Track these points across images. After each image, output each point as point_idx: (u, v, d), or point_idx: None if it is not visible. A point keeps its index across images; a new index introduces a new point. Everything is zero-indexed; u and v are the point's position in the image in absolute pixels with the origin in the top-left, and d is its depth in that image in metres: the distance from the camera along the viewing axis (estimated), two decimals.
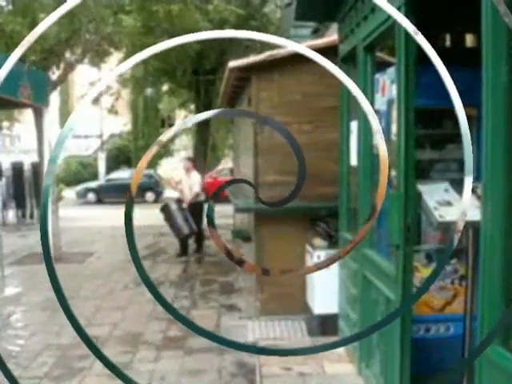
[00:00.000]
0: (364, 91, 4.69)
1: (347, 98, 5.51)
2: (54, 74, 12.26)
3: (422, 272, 4.55)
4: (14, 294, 8.73)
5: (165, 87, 24.56)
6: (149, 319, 7.22)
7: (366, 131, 4.71)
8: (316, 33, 12.57)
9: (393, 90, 4.18)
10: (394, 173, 4.09)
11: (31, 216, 17.70)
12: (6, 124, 33.75)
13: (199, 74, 18.39)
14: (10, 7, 11.53)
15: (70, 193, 27.46)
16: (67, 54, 12.44)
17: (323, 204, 6.60)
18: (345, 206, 5.61)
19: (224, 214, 17.62)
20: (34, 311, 7.64)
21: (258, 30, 18.56)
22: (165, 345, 6.31)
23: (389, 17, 3.94)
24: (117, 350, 6.09)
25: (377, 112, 4.63)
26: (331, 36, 7.27)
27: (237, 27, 17.17)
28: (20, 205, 17.58)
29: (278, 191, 6.94)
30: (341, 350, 5.49)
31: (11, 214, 17.41)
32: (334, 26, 7.73)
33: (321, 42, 7.08)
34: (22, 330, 6.87)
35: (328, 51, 6.34)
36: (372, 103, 4.66)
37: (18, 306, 7.93)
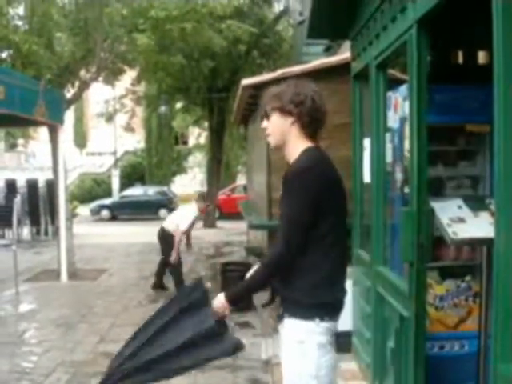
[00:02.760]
0: (377, 109, 4.72)
1: (359, 114, 5.53)
2: (69, 92, 12.39)
3: (436, 289, 4.54)
4: (28, 310, 8.77)
5: (178, 105, 24.75)
6: None
7: (379, 148, 4.72)
8: (328, 50, 12.64)
9: (405, 108, 4.20)
10: (407, 189, 4.10)
11: (46, 233, 17.81)
12: (21, 141, 34.14)
13: (213, 92, 18.52)
14: (26, 27, 11.67)
15: (84, 210, 27.59)
16: (82, 73, 12.59)
17: None
18: (358, 222, 5.61)
19: (238, 230, 17.66)
20: (48, 328, 7.66)
21: (271, 47, 18.71)
22: None
23: (401, 35, 3.97)
24: None
25: (389, 129, 4.65)
26: (343, 53, 7.31)
27: (250, 45, 17.33)
28: (35, 222, 17.70)
29: None
30: (355, 367, 5.47)
31: (26, 231, 17.52)
32: (347, 44, 7.77)
33: (334, 59, 7.14)
34: (36, 346, 6.90)
35: (341, 69, 6.39)
36: (384, 120, 4.68)
37: (32, 323, 7.96)
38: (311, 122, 2.82)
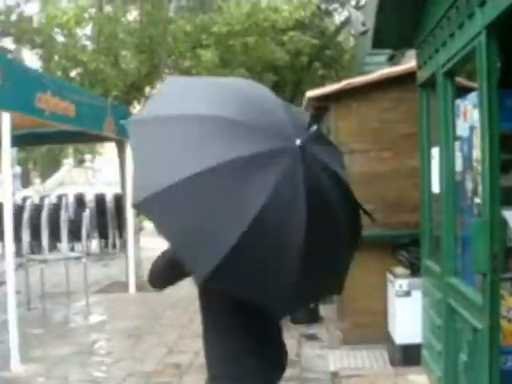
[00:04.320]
0: (445, 117, 4.65)
1: (426, 124, 5.46)
2: (135, 109, 12.67)
3: (508, 300, 4.42)
4: (98, 321, 8.96)
5: None
6: None
7: (448, 157, 4.65)
8: (392, 60, 12.50)
9: (474, 115, 4.12)
10: (478, 199, 4.01)
11: (114, 246, 18.15)
12: (88, 157, 35.08)
13: None
14: (94, 46, 12.03)
15: (150, 223, 28.03)
16: (147, 89, 12.86)
17: (404, 231, 6.47)
18: (427, 233, 5.52)
19: None
20: (118, 338, 7.81)
21: (333, 59, 18.67)
22: None
23: (469, 42, 3.91)
24: (199, 378, 6.13)
25: (458, 138, 4.57)
26: (407, 62, 7.23)
27: (312, 57, 17.34)
28: (103, 235, 18.05)
29: None
30: (425, 380, 5.37)
31: (94, 244, 17.92)
32: (410, 53, 7.69)
33: (399, 69, 7.05)
34: (106, 356, 7.04)
35: (406, 78, 6.33)
36: (453, 129, 4.61)
37: (102, 334, 8.13)
38: None
